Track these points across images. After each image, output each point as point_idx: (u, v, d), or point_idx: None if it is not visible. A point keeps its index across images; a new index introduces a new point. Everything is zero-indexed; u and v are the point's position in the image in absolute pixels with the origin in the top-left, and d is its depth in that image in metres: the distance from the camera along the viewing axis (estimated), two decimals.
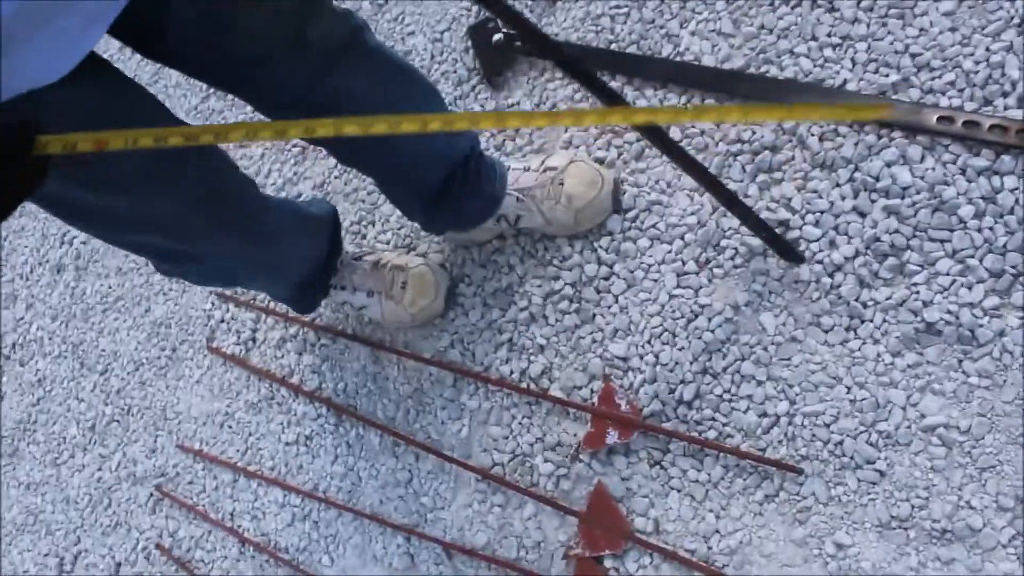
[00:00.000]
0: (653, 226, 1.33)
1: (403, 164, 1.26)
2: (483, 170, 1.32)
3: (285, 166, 1.81)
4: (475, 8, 1.64)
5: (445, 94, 1.59)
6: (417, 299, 1.45)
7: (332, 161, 1.74)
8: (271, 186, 1.82)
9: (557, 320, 1.38)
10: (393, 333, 1.55)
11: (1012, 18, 1.17)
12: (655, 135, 1.04)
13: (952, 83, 1.19)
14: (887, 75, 1.22)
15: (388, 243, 1.61)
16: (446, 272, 1.50)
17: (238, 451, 1.71)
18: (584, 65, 1.01)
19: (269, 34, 1.00)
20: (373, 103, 1.12)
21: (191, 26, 0.95)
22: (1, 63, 0.71)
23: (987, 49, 1.18)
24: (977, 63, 1.18)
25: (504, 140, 1.52)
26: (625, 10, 1.46)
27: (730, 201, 1.12)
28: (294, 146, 1.82)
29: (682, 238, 1.31)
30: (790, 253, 1.21)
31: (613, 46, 1.45)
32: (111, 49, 1.80)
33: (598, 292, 1.35)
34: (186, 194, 1.09)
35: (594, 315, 1.35)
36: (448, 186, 1.30)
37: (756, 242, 1.25)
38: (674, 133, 1.35)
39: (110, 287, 2.06)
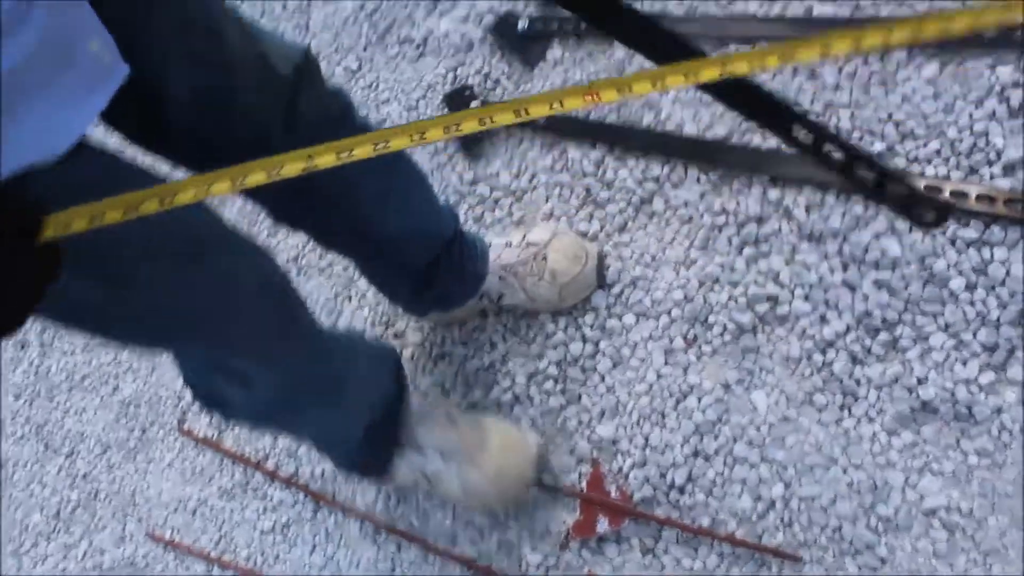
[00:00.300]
0: (639, 302, 1.35)
1: (386, 246, 1.27)
2: (466, 249, 1.34)
3: (256, 240, 1.83)
4: (450, 75, 1.67)
5: (420, 164, 1.60)
6: (505, 466, 1.30)
7: None
8: None
9: (542, 401, 1.39)
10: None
11: (993, 86, 1.20)
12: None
13: (938, 151, 1.22)
14: (872, 143, 1.25)
15: (366, 319, 1.62)
16: (536, 433, 1.36)
17: (211, 540, 1.70)
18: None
19: (263, 104, 1.00)
20: (361, 182, 1.14)
21: (186, 93, 0.94)
22: (1, 123, 0.67)
23: (970, 116, 1.21)
24: (961, 131, 1.21)
25: (483, 212, 1.54)
26: (604, 76, 1.49)
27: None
28: (266, 217, 1.83)
29: (669, 314, 1.33)
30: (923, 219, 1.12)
31: (592, 114, 1.48)
32: None
33: (584, 371, 1.37)
34: (235, 282, 1.00)
35: (580, 395, 1.36)
36: (432, 268, 1.31)
37: (745, 318, 1.27)
38: (657, 204, 1.37)
39: (76, 364, 2.06)
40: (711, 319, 1.29)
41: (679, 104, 1.41)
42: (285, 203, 1.16)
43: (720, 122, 1.37)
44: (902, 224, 1.20)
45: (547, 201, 1.48)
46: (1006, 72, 1.19)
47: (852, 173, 0.73)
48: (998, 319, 1.14)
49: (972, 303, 1.16)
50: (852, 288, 1.22)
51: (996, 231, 1.16)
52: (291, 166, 0.62)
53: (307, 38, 1.98)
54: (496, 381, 1.43)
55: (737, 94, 0.72)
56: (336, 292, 1.67)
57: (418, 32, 1.79)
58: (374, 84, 1.80)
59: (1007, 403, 1.12)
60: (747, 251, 1.29)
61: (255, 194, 1.12)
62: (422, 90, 1.71)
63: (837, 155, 0.73)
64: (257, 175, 0.62)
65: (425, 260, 1.30)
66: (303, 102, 1.03)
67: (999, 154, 1.18)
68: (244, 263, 1.02)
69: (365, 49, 1.86)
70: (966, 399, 1.14)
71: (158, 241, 0.84)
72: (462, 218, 1.50)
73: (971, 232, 1.17)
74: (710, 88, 0.70)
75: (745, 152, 1.32)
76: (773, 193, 1.29)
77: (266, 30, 1.01)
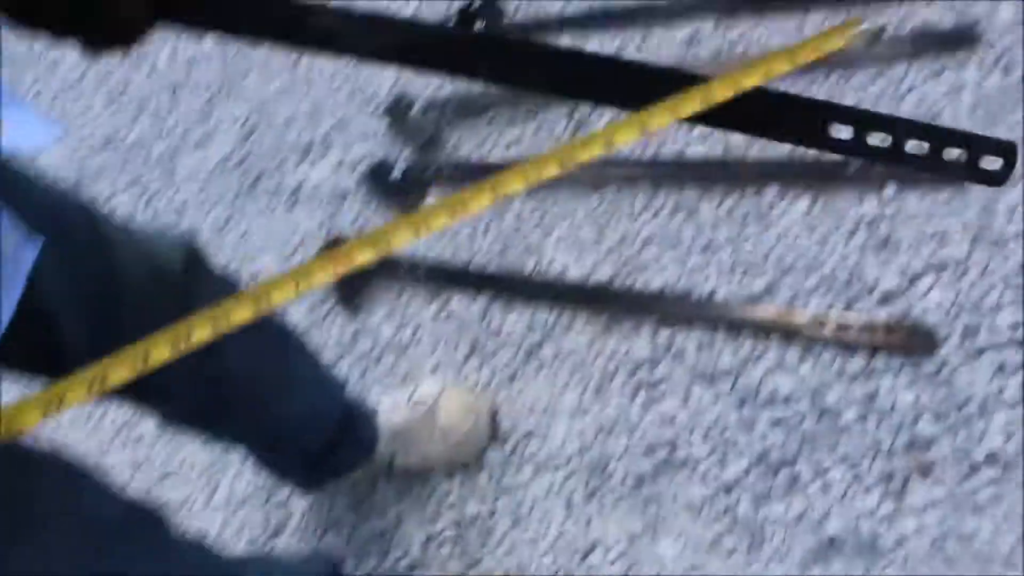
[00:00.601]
0: (535, 454, 1.36)
1: (283, 434, 1.25)
2: (357, 420, 1.34)
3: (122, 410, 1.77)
4: (325, 227, 1.69)
5: (296, 320, 1.60)
6: None
7: None
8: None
9: (440, 566, 1.36)
10: None
11: (861, 218, 1.29)
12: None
13: (818, 285, 1.29)
14: (755, 280, 1.32)
15: (246, 487, 1.57)
16: None
17: None
18: None
19: (157, 306, 0.97)
20: (256, 375, 1.14)
21: (75, 309, 0.91)
22: None
23: (844, 248, 1.29)
24: (837, 264, 1.29)
25: (366, 368, 1.53)
26: (485, 222, 1.54)
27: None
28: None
29: (566, 465, 1.34)
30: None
31: (474, 260, 1.51)
32: None
33: (482, 532, 1.35)
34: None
35: (480, 558, 1.35)
36: (326, 446, 1.30)
37: (645, 465, 1.29)
38: (547, 352, 1.40)
39: None
40: (610, 468, 1.31)
41: (563, 247, 1.46)
42: (182, 409, 1.14)
43: (604, 264, 1.42)
44: (791, 358, 1.26)
45: (433, 354, 1.49)
46: (871, 205, 1.29)
47: (902, 154, 0.66)
48: (891, 448, 1.20)
49: (865, 434, 1.21)
50: (749, 427, 1.26)
51: (880, 362, 1.22)
52: (161, 350, 0.60)
53: (172, 190, 1.97)
54: (390, 548, 1.40)
55: (741, 113, 0.62)
56: (212, 460, 1.62)
57: (289, 181, 1.81)
58: (245, 236, 1.79)
59: (908, 532, 1.16)
60: (641, 396, 1.32)
61: (148, 400, 1.10)
62: (298, 239, 1.72)
63: (883, 143, 0.65)
64: (122, 370, 0.59)
65: (319, 440, 1.29)
66: (197, 296, 1.01)
67: (875, 285, 1.25)
68: (151, 546, 0.98)
69: (234, 200, 1.87)
70: (870, 531, 1.17)
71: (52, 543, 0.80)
72: (344, 376, 1.50)
73: (858, 363, 1.23)
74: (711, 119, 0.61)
75: (631, 295, 1.37)
76: (662, 335, 1.34)
77: (145, 227, 1.01)
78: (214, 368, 1.05)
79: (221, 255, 1.79)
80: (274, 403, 1.19)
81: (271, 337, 1.19)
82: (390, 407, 1.39)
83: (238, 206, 1.85)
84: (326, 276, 0.62)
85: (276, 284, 0.61)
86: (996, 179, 0.75)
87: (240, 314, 0.61)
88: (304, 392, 1.24)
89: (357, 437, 1.34)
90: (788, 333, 1.27)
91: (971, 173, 0.71)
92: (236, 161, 1.91)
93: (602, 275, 1.41)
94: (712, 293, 1.34)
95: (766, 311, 1.29)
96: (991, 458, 1.16)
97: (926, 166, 0.71)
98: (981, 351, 1.20)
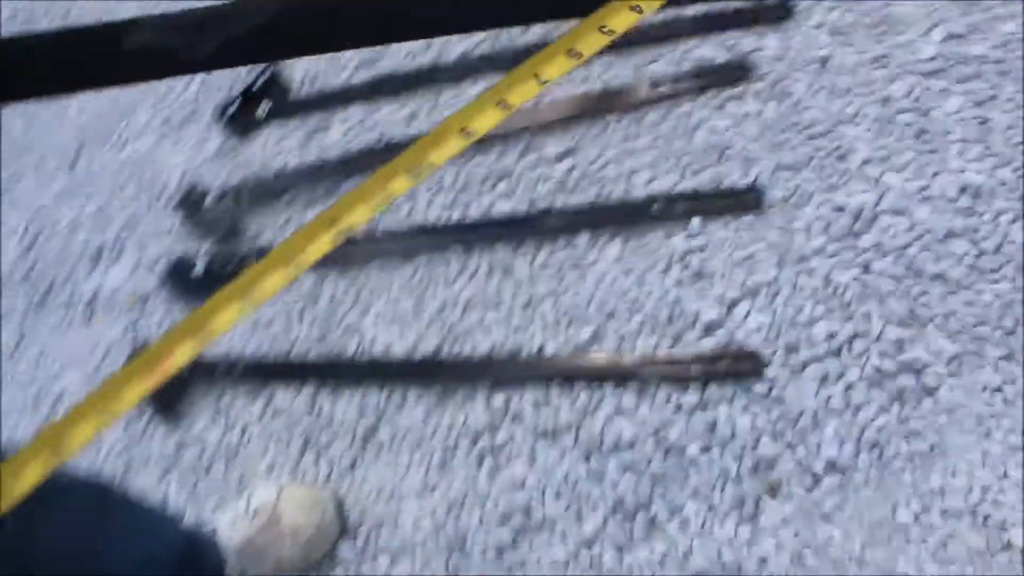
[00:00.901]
0: (389, 541, 1.29)
1: None
2: (198, 548, 1.23)
3: None
4: (130, 334, 1.57)
5: (114, 440, 1.48)
6: None
7: None
8: None
9: None
10: None
11: (672, 254, 1.29)
12: None
13: (642, 325, 1.28)
14: (580, 329, 1.30)
15: None
16: None
17: None
18: None
19: None
20: (74, 538, 1.03)
21: None
22: None
23: (661, 285, 1.29)
24: (657, 302, 1.28)
25: (197, 480, 1.42)
26: (299, 308, 1.46)
27: None
28: None
29: (423, 547, 1.28)
30: None
31: (294, 350, 1.43)
32: None
33: None
34: None
35: None
36: None
37: (503, 533, 1.24)
38: (384, 434, 1.34)
39: None
40: (468, 543, 1.26)
41: (383, 323, 1.40)
42: None
43: (428, 335, 1.37)
44: (628, 402, 1.24)
45: (265, 454, 1.40)
46: (680, 240, 1.29)
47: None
48: (738, 473, 1.19)
49: (711, 464, 1.21)
50: (599, 477, 1.23)
51: (714, 391, 1.22)
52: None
53: None
54: None
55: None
56: None
57: (83, 290, 1.68)
58: (42, 356, 1.65)
59: (768, 552, 1.16)
60: (487, 464, 1.28)
61: None
62: (102, 352, 1.59)
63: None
64: None
65: None
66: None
67: (696, 317, 1.26)
68: None
69: (24, 318, 1.71)
70: (733, 559, 1.17)
71: None
72: (174, 493, 1.39)
73: (692, 396, 1.23)
74: None
75: (460, 363, 1.33)
76: (497, 399, 1.30)
77: None
78: (23, 553, 0.95)
79: (17, 380, 1.64)
80: (100, 565, 1.08)
81: (80, 496, 1.08)
82: (230, 522, 1.29)
83: (29, 324, 1.70)
84: (141, 389, 0.52)
85: (72, 420, 0.52)
86: (776, 14, 0.77)
87: (33, 472, 0.51)
88: (132, 542, 1.14)
89: (201, 567, 1.24)
90: (621, 377, 1.26)
91: (756, 15, 0.73)
92: (21, 275, 1.76)
93: (427, 347, 1.36)
94: (540, 348, 1.31)
95: (596, 358, 1.27)
96: (830, 466, 1.18)
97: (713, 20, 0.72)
98: (804, 365, 1.22)
